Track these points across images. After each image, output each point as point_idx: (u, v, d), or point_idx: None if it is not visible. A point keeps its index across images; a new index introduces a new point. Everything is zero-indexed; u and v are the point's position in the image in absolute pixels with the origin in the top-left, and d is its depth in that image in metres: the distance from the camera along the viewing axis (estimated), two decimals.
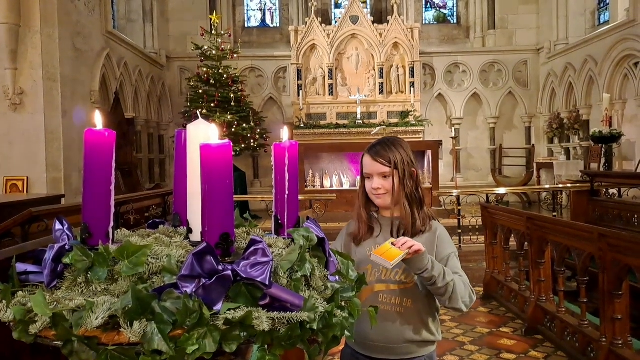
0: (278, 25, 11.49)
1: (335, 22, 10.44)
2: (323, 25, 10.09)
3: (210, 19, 9.81)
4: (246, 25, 11.50)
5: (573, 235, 3.54)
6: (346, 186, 8.57)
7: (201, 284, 0.77)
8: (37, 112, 5.70)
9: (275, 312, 0.76)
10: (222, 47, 9.29)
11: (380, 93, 10.00)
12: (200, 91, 9.12)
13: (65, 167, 5.87)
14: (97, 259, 0.81)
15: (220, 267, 0.78)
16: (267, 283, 0.78)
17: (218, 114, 8.77)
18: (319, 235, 0.98)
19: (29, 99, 5.67)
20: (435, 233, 1.61)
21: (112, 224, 0.93)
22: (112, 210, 0.93)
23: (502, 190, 7.49)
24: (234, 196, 0.87)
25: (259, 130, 9.48)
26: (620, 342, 3.02)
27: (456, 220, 6.21)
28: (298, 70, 9.94)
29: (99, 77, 7.24)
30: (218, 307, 0.76)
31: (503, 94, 10.87)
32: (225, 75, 9.16)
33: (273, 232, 1.04)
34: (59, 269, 0.85)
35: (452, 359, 3.57)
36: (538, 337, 3.91)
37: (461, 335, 4.01)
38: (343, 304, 0.86)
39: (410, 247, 1.42)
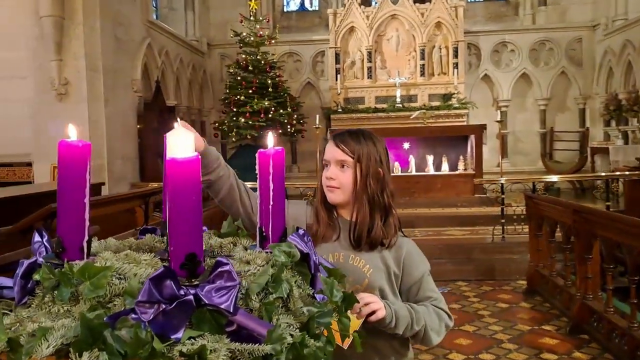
0: (317, 8, 11.31)
1: (375, 3, 10.13)
2: (362, 7, 9.84)
3: (249, 5, 9.78)
4: (285, 10, 11.40)
5: (624, 231, 3.28)
6: None
7: (161, 309, 0.72)
8: (80, 102, 5.91)
9: (237, 343, 0.70)
10: (260, 33, 9.26)
11: (421, 75, 9.67)
12: (239, 78, 9.16)
13: (108, 155, 6.08)
14: (63, 278, 0.78)
15: (181, 292, 0.72)
16: (231, 310, 0.72)
17: (256, 100, 8.80)
18: (303, 250, 0.90)
19: (73, 89, 5.89)
20: (402, 251, 1.37)
21: (86, 237, 0.89)
22: (87, 223, 0.90)
23: (553, 178, 7.09)
24: None
25: (296, 116, 9.43)
26: None
27: (499, 209, 5.94)
28: (336, 53, 9.76)
29: (141, 66, 7.41)
30: (179, 334, 0.71)
31: (555, 74, 10.25)
32: (263, 61, 9.15)
33: (257, 245, 0.98)
34: (29, 286, 0.83)
35: (487, 357, 3.43)
36: (584, 337, 3.67)
37: (500, 332, 3.84)
38: (319, 331, 0.79)
39: (368, 314, 1.21)
